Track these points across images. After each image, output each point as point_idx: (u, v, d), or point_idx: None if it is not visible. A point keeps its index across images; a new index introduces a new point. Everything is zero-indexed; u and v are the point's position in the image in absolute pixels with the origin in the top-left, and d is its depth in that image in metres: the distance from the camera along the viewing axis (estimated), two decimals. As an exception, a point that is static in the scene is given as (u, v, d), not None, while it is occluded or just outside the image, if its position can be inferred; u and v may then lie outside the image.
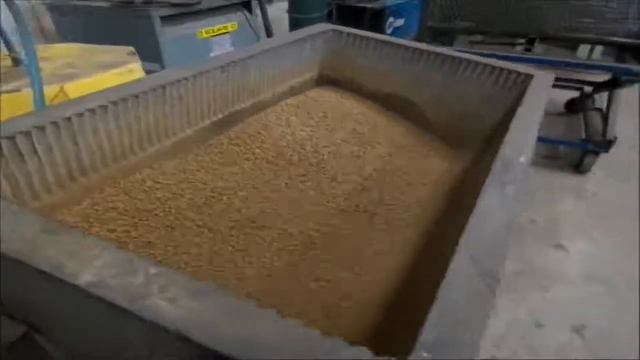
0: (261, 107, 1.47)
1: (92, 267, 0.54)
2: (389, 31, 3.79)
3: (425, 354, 0.48)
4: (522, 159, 0.90)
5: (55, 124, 0.87)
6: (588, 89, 3.13)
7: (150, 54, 2.62)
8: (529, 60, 2.48)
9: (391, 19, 3.75)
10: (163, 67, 2.70)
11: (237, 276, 0.92)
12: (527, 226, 2.28)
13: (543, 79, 1.36)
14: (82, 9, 2.87)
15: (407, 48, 1.58)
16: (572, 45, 4.23)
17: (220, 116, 1.31)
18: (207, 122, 1.27)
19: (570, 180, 2.66)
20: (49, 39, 3.19)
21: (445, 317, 0.53)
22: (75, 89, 1.38)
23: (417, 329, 0.65)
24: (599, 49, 4.07)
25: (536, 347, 1.68)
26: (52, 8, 2.97)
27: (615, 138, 2.44)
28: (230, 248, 0.97)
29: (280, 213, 1.08)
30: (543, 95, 1.24)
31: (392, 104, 1.66)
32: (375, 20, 3.67)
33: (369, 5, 3.67)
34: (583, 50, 4.27)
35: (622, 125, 2.57)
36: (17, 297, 0.74)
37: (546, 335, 1.73)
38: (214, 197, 1.08)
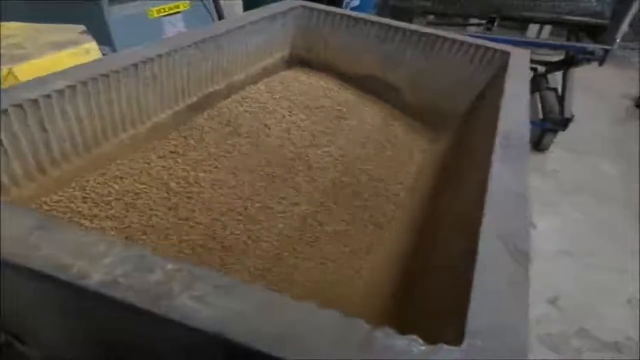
0: (234, 89, 1.39)
1: (102, 265, 0.47)
2: (347, 10, 3.74)
3: (480, 342, 0.45)
4: (521, 133, 0.89)
5: (19, 106, 0.76)
6: (541, 69, 3.25)
7: (98, 35, 2.41)
8: (489, 39, 2.52)
9: (348, -1, 3.70)
10: (114, 49, 2.51)
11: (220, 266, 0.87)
12: (492, 202, 2.35)
13: (520, 54, 1.37)
14: (16, -15, 2.60)
15: (381, 25, 1.54)
16: (522, 25, 4.38)
17: (195, 98, 1.23)
18: (182, 105, 1.18)
19: (531, 158, 2.76)
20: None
21: (488, 302, 0.50)
22: (26, 70, 1.24)
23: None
24: (547, 28, 4.24)
25: None
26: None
27: (572, 116, 2.55)
28: (216, 235, 0.91)
29: (257, 212, 1.03)
30: (525, 69, 1.26)
31: (368, 84, 1.63)
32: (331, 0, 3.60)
33: (326, -16, 3.60)
34: (532, 30, 4.43)
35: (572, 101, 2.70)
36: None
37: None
38: (192, 189, 1.01)
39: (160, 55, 1.06)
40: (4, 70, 1.20)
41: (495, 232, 0.61)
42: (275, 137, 1.25)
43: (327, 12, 1.62)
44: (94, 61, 0.97)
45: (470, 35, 2.60)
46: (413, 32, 1.51)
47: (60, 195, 0.86)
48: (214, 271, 0.48)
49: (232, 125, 1.22)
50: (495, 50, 1.41)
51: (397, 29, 1.53)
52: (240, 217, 0.97)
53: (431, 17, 3.44)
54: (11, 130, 0.77)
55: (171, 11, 2.92)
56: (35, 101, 0.80)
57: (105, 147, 0.97)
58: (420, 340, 0.45)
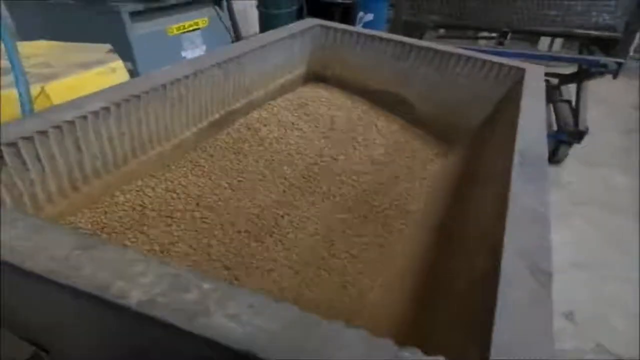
0: (254, 105, 1.43)
1: (140, 284, 0.50)
2: (359, 25, 3.79)
3: (505, 358, 0.47)
4: (539, 152, 0.91)
5: (58, 128, 0.81)
6: (553, 81, 3.25)
7: (120, 52, 2.50)
8: (501, 54, 2.54)
9: (361, 13, 3.75)
10: (134, 65, 2.58)
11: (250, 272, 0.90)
12: (507, 215, 2.35)
13: (535, 71, 1.39)
14: (43, 4, 2.70)
15: (396, 43, 1.58)
16: (533, 38, 4.39)
17: (217, 116, 1.27)
18: (205, 123, 1.22)
19: (546, 169, 2.76)
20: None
21: (511, 320, 0.52)
22: (57, 89, 1.29)
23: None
24: (558, 41, 4.24)
25: None
26: (9, 2, 2.77)
27: (587, 128, 2.55)
28: (246, 245, 0.94)
29: (276, 223, 1.06)
30: (540, 86, 1.27)
31: (383, 100, 1.66)
32: (345, 14, 3.66)
33: (339, 0, 3.66)
34: (543, 43, 4.43)
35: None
36: (32, 319, 0.68)
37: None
38: (219, 202, 1.04)
39: (187, 76, 1.11)
40: (37, 89, 1.26)
41: (517, 250, 0.63)
42: (292, 151, 1.29)
43: (344, 31, 1.66)
44: (126, 82, 1.02)
45: (482, 49, 2.63)
46: (427, 49, 1.54)
47: (92, 211, 0.90)
48: (246, 290, 0.51)
49: (251, 141, 1.26)
50: (510, 67, 1.43)
51: (411, 46, 1.56)
52: (260, 227, 1.00)
53: (442, 31, 3.48)
54: (50, 151, 0.81)
55: (190, 28, 3.00)
56: (72, 122, 0.84)
57: (133, 164, 1.01)
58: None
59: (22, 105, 1.07)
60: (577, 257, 2.10)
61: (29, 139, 0.77)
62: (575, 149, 2.71)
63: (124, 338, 0.57)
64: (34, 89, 1.23)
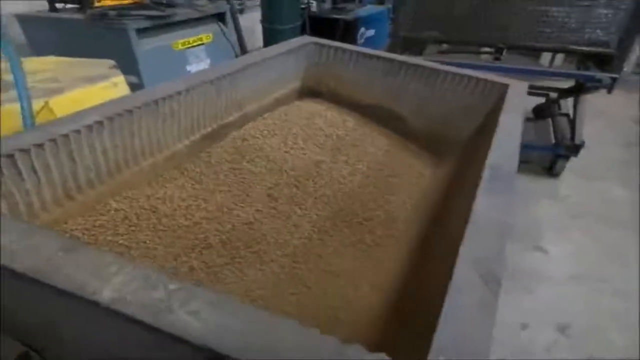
0: (247, 119, 1.49)
1: (112, 283, 0.55)
2: (361, 41, 3.87)
3: (442, 358, 0.51)
4: (510, 167, 0.95)
5: (53, 141, 0.87)
6: (553, 95, 3.28)
7: (126, 66, 2.58)
8: (499, 69, 2.59)
9: (362, 29, 3.83)
10: (140, 79, 2.68)
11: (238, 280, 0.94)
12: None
13: (518, 87, 1.44)
14: (55, 21, 2.82)
15: (386, 60, 1.63)
16: (535, 53, 4.42)
17: (210, 129, 1.33)
18: (197, 135, 1.28)
19: (544, 183, 2.78)
20: (19, 52, 3.10)
21: (455, 323, 0.56)
22: (60, 103, 1.36)
23: (425, 334, 0.69)
24: (560, 56, 4.27)
25: (523, 348, 1.74)
26: (22, 19, 2.89)
27: (583, 142, 2.57)
28: (235, 249, 0.98)
29: (266, 232, 1.10)
30: (521, 102, 1.32)
31: (376, 114, 1.71)
32: (347, 30, 3.74)
33: (341, 17, 3.74)
34: (545, 57, 4.47)
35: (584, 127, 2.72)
36: (21, 318, 0.74)
37: (532, 335, 1.79)
38: (206, 208, 1.10)
39: (179, 92, 1.17)
40: (41, 103, 1.33)
41: (472, 258, 0.67)
42: (281, 162, 1.34)
43: (336, 48, 1.73)
44: (120, 98, 1.08)
45: (482, 65, 2.68)
46: (416, 66, 1.59)
47: (85, 219, 0.95)
48: (208, 290, 0.56)
49: (242, 152, 1.32)
50: (494, 82, 1.48)
51: (401, 63, 1.62)
52: (250, 231, 1.05)
53: (444, 46, 3.53)
54: (45, 162, 0.87)
55: (195, 43, 3.09)
56: (66, 136, 0.90)
57: (126, 174, 1.07)
58: (387, 357, 0.50)
59: (23, 118, 1.14)
60: (576, 270, 2.11)
61: (25, 151, 0.83)
62: (574, 162, 2.73)
63: (99, 334, 0.62)
64: (38, 103, 1.31)
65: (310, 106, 1.70)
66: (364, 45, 3.86)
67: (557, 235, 2.33)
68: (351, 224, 1.19)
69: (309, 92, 1.81)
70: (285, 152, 1.37)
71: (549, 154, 2.80)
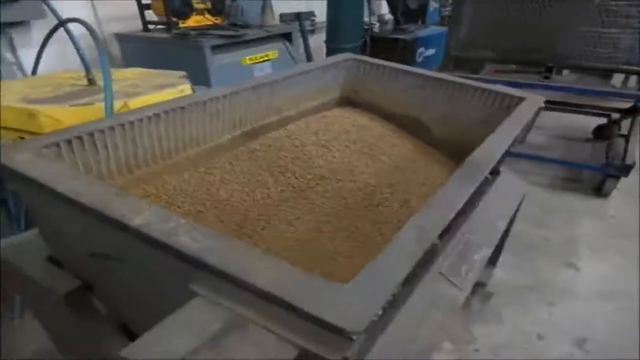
0: (285, 122, 1.72)
1: (142, 215, 0.78)
2: (419, 60, 4.01)
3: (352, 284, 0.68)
4: (487, 162, 1.08)
5: (122, 125, 1.16)
6: (615, 116, 3.20)
7: (201, 78, 2.98)
8: (553, 87, 2.62)
9: (421, 49, 3.97)
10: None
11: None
12: (539, 244, 2.38)
13: (533, 100, 1.53)
14: (145, 39, 3.30)
15: (415, 74, 1.80)
16: (606, 73, 4.27)
17: (249, 127, 1.58)
18: (238, 132, 1.54)
19: (591, 202, 2.73)
20: (114, 64, 3.64)
21: (380, 262, 0.73)
22: (136, 104, 1.69)
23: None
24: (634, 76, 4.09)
25: (535, 357, 1.78)
26: (120, 37, 3.42)
27: (634, 162, 2.51)
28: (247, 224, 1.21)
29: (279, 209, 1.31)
30: (529, 112, 1.42)
31: (404, 123, 1.87)
32: (405, 50, 3.91)
33: (400, 37, 3.93)
34: (618, 78, 4.29)
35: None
36: (80, 254, 1.00)
37: (547, 346, 1.82)
38: (236, 191, 1.33)
39: (224, 96, 1.44)
40: (121, 103, 1.67)
41: (415, 224, 0.83)
42: (310, 159, 1.54)
43: (372, 64, 1.92)
44: (176, 98, 1.36)
45: (532, 84, 2.71)
46: (442, 80, 1.74)
47: (140, 188, 1.23)
48: (205, 225, 0.77)
49: (276, 148, 1.54)
50: (512, 96, 1.58)
51: (428, 77, 1.77)
52: (271, 214, 1.27)
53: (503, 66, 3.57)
54: (114, 142, 1.16)
55: (261, 59, 3.44)
56: (132, 123, 1.19)
57: (176, 159, 1.34)
58: (321, 279, 0.68)
59: (106, 114, 1.46)
60: (604, 288, 2.08)
61: (101, 131, 1.12)
62: (627, 184, 2.66)
63: (131, 257, 0.86)
64: (119, 103, 1.64)
65: (346, 114, 1.90)
66: (422, 63, 4.00)
67: (592, 253, 2.30)
68: (364, 215, 1.36)
69: (347, 102, 2.02)
70: (312, 150, 1.58)
71: (600, 174, 2.75)
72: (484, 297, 2.04)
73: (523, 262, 2.23)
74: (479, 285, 2.02)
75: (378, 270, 0.71)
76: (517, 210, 1.80)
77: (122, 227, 0.77)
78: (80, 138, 1.09)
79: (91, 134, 1.10)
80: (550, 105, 3.60)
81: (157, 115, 1.25)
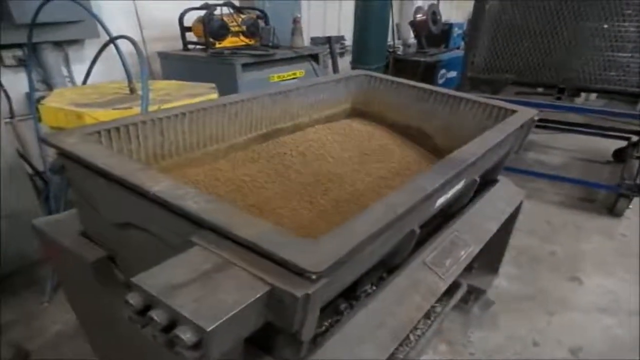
0: (298, 128, 1.90)
1: (159, 185, 0.96)
2: (441, 81, 4.15)
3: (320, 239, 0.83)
4: (464, 160, 1.21)
5: (152, 120, 1.36)
6: (635, 138, 3.22)
7: (230, 91, 3.22)
8: (568, 108, 2.71)
9: (443, 71, 4.11)
10: (239, 103, 3.28)
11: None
12: (545, 258, 2.42)
13: (524, 113, 1.66)
14: (184, 57, 3.61)
15: (419, 88, 1.95)
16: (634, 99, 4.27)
17: (265, 130, 1.76)
18: (254, 134, 1.72)
19: (602, 221, 2.75)
20: (155, 78, 3.97)
21: (348, 226, 0.88)
22: (168, 107, 1.92)
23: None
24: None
25: None
26: (162, 55, 3.74)
27: (646, 182, 2.54)
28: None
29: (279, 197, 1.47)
30: (513, 123, 1.54)
31: (408, 133, 2.01)
32: (427, 71, 4.06)
33: (422, 59, 4.09)
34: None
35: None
36: (105, 228, 1.19)
37: (541, 353, 1.87)
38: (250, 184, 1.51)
39: (242, 100, 1.63)
40: (155, 107, 1.90)
41: (388, 201, 0.97)
42: (317, 160, 1.70)
43: (381, 79, 2.09)
44: (200, 101, 1.56)
45: (557, 105, 2.78)
46: (443, 94, 1.88)
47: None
48: (205, 193, 0.94)
49: (288, 149, 1.71)
50: (506, 109, 1.71)
51: (431, 91, 1.92)
52: (272, 206, 1.43)
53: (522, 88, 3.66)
54: (145, 133, 1.36)
55: (288, 77, 3.67)
56: (160, 119, 1.39)
57: (197, 154, 1.54)
58: (293, 236, 0.84)
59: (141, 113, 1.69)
60: (606, 303, 2.11)
61: (135, 124, 1.33)
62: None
63: (148, 221, 1.04)
64: (153, 107, 1.87)
65: (355, 123, 2.07)
66: (443, 85, 4.13)
67: (598, 269, 2.33)
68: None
69: (358, 113, 2.18)
70: (318, 152, 1.74)
71: (611, 194, 2.78)
72: (484, 305, 2.12)
73: (526, 274, 2.29)
74: (479, 292, 2.11)
75: (344, 231, 0.86)
76: (514, 217, 1.90)
77: (143, 193, 0.96)
78: (117, 129, 1.30)
79: (126, 126, 1.31)
80: (566, 127, 3.65)
81: (183, 114, 1.45)
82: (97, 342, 1.70)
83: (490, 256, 2.06)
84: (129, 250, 1.22)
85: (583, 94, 4.62)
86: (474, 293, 2.07)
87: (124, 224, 1.13)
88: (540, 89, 3.73)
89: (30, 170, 2.69)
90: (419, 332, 1.72)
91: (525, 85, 3.37)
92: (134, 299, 0.74)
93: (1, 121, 2.24)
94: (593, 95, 4.84)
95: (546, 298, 2.13)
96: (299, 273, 0.75)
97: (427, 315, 1.79)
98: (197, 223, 0.88)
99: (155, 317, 0.70)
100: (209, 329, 0.66)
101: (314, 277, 0.74)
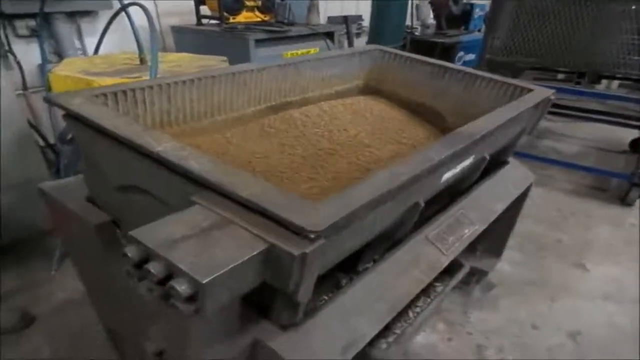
0: (308, 102, 1.88)
1: (162, 145, 0.96)
2: (458, 64, 4.07)
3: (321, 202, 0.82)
4: (471, 134, 1.19)
5: (159, 86, 1.36)
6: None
7: (243, 68, 3.21)
8: (586, 93, 2.64)
9: (461, 53, 4.03)
10: (251, 79, 3.26)
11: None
12: (552, 244, 2.39)
13: (540, 92, 1.61)
14: (197, 31, 3.59)
15: (433, 64, 1.91)
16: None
17: (274, 102, 1.75)
18: (262, 105, 1.71)
19: (612, 210, 2.71)
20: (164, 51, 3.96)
21: (350, 191, 0.87)
22: (178, 78, 1.92)
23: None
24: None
25: (526, 344, 1.82)
26: (175, 29, 3.72)
27: (658, 173, 2.49)
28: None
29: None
30: (527, 102, 1.50)
31: (419, 111, 1.98)
32: (444, 53, 3.98)
33: (440, 40, 4.01)
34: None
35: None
36: (110, 192, 1.19)
37: (540, 336, 1.85)
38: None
39: (252, 70, 1.61)
40: (166, 77, 1.89)
41: (392, 170, 0.96)
42: (327, 134, 1.68)
43: (395, 54, 2.05)
44: (209, 69, 1.55)
45: (577, 90, 2.71)
46: (457, 71, 1.84)
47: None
48: (206, 154, 0.94)
49: (297, 122, 1.69)
50: (522, 87, 1.67)
51: (446, 68, 1.88)
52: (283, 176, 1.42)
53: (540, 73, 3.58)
54: (152, 99, 1.36)
55: (302, 55, 3.63)
56: (168, 84, 1.38)
57: (204, 123, 1.53)
58: (297, 197, 0.83)
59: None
60: (610, 290, 2.08)
61: (142, 89, 1.33)
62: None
63: (152, 183, 1.04)
64: (164, 76, 1.87)
65: (367, 100, 2.04)
66: (460, 68, 4.06)
67: (604, 257, 2.30)
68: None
69: (371, 90, 2.15)
70: (324, 125, 1.71)
71: (624, 183, 2.72)
72: (485, 287, 2.10)
73: (531, 260, 2.26)
74: (481, 274, 2.09)
75: (346, 195, 0.85)
76: (521, 200, 1.87)
77: (147, 153, 0.95)
78: (124, 92, 1.29)
79: (132, 90, 1.31)
80: (584, 114, 3.57)
81: (191, 80, 1.44)
82: (102, 308, 1.73)
83: (494, 239, 2.04)
84: (132, 214, 1.22)
85: (604, 82, 4.51)
86: (476, 275, 2.06)
87: (127, 187, 1.14)
88: (561, 76, 3.66)
89: (42, 143, 2.72)
90: (418, 309, 1.71)
91: (545, 71, 3.30)
92: (131, 252, 0.74)
93: (11, 88, 2.26)
94: (615, 84, 4.73)
95: (549, 283, 2.11)
96: (298, 232, 0.75)
97: (427, 294, 1.78)
98: (199, 183, 0.88)
99: (152, 270, 0.70)
100: (204, 281, 0.65)
101: (312, 236, 0.74)
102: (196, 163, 0.90)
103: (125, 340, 1.72)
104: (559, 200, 2.85)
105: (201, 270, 0.67)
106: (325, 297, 1.15)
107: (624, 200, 2.73)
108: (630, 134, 3.42)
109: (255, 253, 0.73)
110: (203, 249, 0.73)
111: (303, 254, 0.73)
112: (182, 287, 0.66)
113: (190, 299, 0.68)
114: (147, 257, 0.73)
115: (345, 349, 0.97)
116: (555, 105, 3.52)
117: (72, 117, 1.13)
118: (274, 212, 0.77)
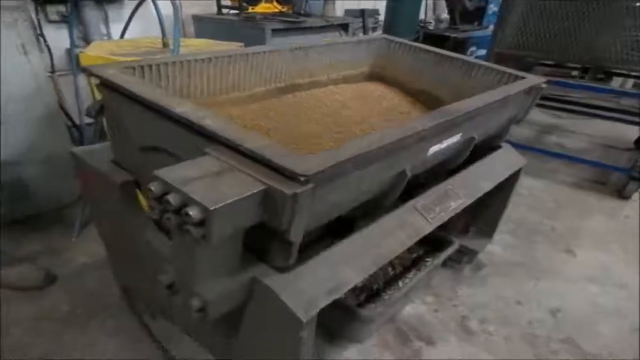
0: (315, 85, 2.03)
1: (182, 107, 1.12)
2: (469, 58, 4.17)
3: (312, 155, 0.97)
4: (458, 110, 1.32)
5: (181, 62, 1.52)
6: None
7: (259, 56, 3.37)
8: (591, 88, 2.73)
9: (473, 48, 4.12)
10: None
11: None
12: (544, 231, 2.49)
13: (531, 79, 1.73)
14: (217, 20, 3.76)
15: (435, 53, 2.04)
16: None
17: (283, 84, 1.90)
18: (272, 86, 1.86)
19: (609, 202, 2.79)
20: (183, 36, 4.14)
21: (340, 148, 1.01)
22: (197, 60, 2.08)
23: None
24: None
25: (508, 317, 1.93)
26: (196, 18, 3.90)
27: (658, 167, 2.56)
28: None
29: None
30: (519, 87, 1.63)
31: (421, 97, 2.11)
32: (456, 47, 4.07)
33: (452, 35, 4.10)
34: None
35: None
36: (133, 154, 1.35)
37: (522, 311, 1.97)
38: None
39: (264, 52, 1.77)
40: (186, 58, 2.06)
41: (378, 134, 1.10)
42: (331, 114, 1.82)
43: (401, 43, 2.18)
44: (227, 50, 1.70)
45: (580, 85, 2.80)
46: (457, 59, 1.96)
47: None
48: (224, 120, 1.09)
49: (304, 102, 1.84)
50: (516, 75, 1.79)
51: (447, 57, 2.01)
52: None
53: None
54: (174, 74, 1.52)
55: (316, 45, 3.77)
56: (189, 61, 1.55)
57: (219, 99, 1.69)
58: (298, 153, 0.98)
59: (172, 58, 1.85)
60: (596, 274, 2.18)
61: (165, 64, 1.49)
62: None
63: (171, 142, 1.19)
64: (184, 57, 2.03)
65: (371, 86, 2.17)
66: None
67: (593, 245, 2.40)
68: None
69: (376, 77, 2.28)
70: (334, 107, 1.86)
71: (622, 176, 2.80)
72: (475, 267, 2.22)
73: (522, 244, 2.37)
74: (472, 254, 2.21)
75: (335, 151, 1.00)
76: (512, 182, 1.98)
77: (168, 114, 1.11)
78: (150, 66, 1.46)
79: (157, 65, 1.47)
80: (591, 110, 3.64)
81: (209, 59, 1.60)
82: (119, 266, 1.90)
83: (486, 221, 2.16)
84: (151, 173, 1.38)
85: (618, 80, 4.54)
86: (468, 255, 2.18)
87: (148, 149, 1.30)
88: (574, 73, 3.73)
89: (68, 123, 2.91)
90: (407, 280, 1.85)
91: (556, 67, 3.38)
92: (154, 187, 0.90)
93: (44, 69, 2.44)
94: (629, 83, 4.74)
95: (537, 266, 2.22)
96: (291, 177, 0.90)
97: (418, 267, 1.92)
98: (212, 138, 1.03)
99: (171, 200, 0.86)
100: (212, 208, 0.81)
101: (302, 179, 0.88)
102: (211, 122, 1.06)
103: (137, 296, 1.89)
104: (558, 191, 2.94)
105: (210, 200, 0.82)
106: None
107: (621, 194, 2.81)
108: (637, 133, 3.46)
109: (255, 191, 0.88)
110: (212, 187, 0.88)
111: (294, 194, 0.88)
112: (194, 212, 0.82)
113: (200, 224, 0.84)
114: (167, 191, 0.89)
115: (331, 291, 1.11)
116: (561, 101, 3.60)
117: (106, 85, 1.30)
118: (271, 159, 0.92)
